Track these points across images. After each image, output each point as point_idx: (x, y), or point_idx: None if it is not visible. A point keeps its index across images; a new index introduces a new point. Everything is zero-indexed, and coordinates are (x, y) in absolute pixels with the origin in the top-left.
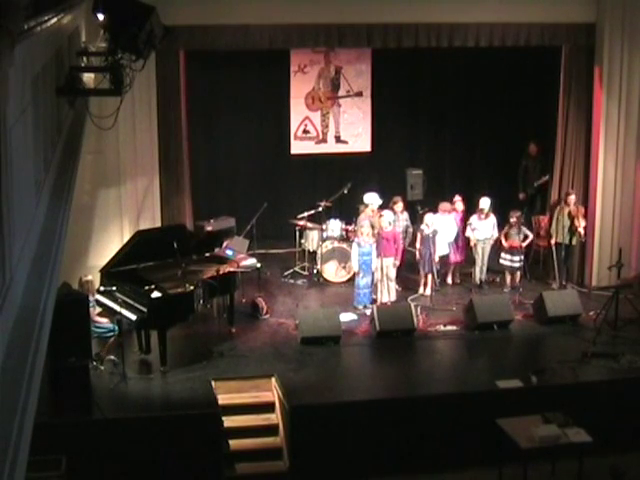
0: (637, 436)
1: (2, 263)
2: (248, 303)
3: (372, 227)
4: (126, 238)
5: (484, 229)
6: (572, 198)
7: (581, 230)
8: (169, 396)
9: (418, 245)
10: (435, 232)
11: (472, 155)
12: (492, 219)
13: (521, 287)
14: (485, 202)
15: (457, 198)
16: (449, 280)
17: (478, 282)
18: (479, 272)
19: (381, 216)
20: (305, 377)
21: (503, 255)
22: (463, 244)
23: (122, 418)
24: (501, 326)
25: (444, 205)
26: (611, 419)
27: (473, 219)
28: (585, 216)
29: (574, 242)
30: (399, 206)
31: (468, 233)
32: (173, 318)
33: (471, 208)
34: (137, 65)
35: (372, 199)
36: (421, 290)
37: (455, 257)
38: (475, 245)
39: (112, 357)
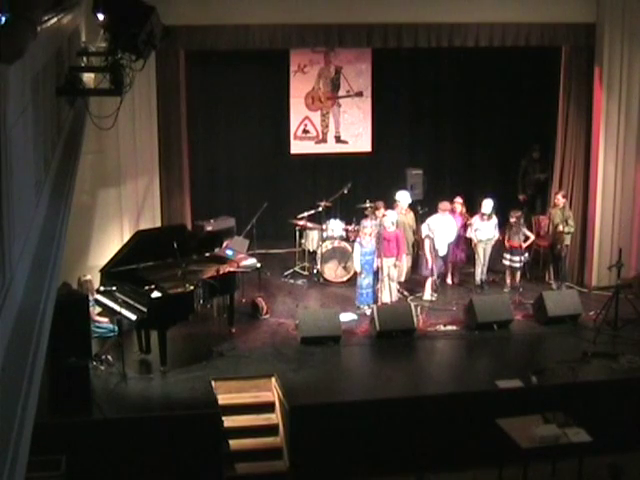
0: (637, 436)
1: (2, 263)
2: (248, 303)
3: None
4: (126, 238)
5: (486, 230)
6: (559, 198)
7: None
8: (169, 396)
9: (427, 251)
10: (431, 239)
11: (472, 155)
12: (494, 220)
13: (521, 287)
14: (488, 204)
15: (458, 200)
16: (449, 280)
17: (479, 282)
18: (480, 272)
19: (384, 216)
20: (305, 377)
21: (504, 255)
22: (464, 245)
23: (122, 418)
24: (501, 326)
25: (444, 204)
26: (611, 419)
27: (475, 220)
28: (584, 216)
29: (567, 242)
30: (381, 212)
31: (470, 234)
32: (173, 318)
33: (471, 208)
34: (137, 65)
35: (402, 197)
36: (427, 296)
37: (454, 257)
38: (476, 246)
39: (108, 357)
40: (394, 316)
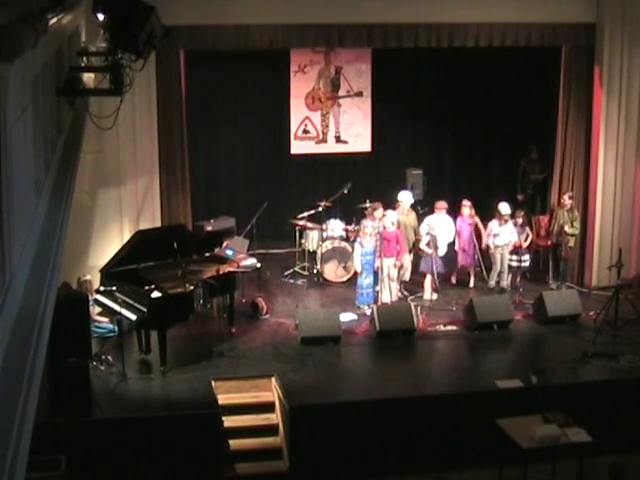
0: (637, 436)
1: (2, 263)
2: (248, 303)
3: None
4: (126, 238)
5: (504, 234)
6: (566, 199)
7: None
8: (169, 396)
9: (431, 248)
10: (433, 236)
11: (472, 155)
12: (510, 223)
13: (521, 287)
14: (506, 208)
15: (465, 203)
16: (453, 280)
17: (493, 285)
18: (496, 276)
19: (384, 216)
20: (305, 377)
21: (509, 256)
22: (472, 249)
23: (122, 418)
24: (501, 326)
25: (440, 204)
26: (611, 419)
27: (494, 225)
28: (584, 216)
29: (571, 243)
30: (379, 212)
31: (489, 240)
32: (173, 318)
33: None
34: (137, 65)
35: (405, 197)
36: (427, 295)
37: (462, 261)
38: (493, 251)
39: (108, 357)
40: (394, 316)
